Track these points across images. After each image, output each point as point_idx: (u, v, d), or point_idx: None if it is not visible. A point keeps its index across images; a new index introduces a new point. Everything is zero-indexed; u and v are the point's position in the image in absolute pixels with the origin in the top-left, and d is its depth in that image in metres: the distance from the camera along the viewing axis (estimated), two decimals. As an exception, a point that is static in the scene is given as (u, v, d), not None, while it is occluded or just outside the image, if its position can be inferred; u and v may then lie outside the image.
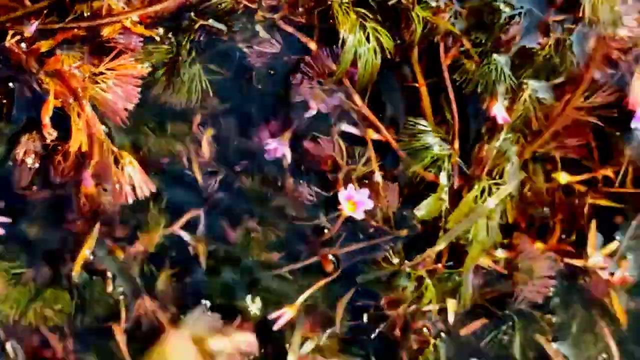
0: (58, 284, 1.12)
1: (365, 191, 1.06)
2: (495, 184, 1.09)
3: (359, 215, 1.06)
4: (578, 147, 1.12)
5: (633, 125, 1.08)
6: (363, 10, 1.05)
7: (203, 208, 1.13)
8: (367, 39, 1.04)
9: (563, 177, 1.12)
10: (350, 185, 1.06)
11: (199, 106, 1.12)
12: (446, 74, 1.08)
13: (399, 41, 1.08)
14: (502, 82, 1.06)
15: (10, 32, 1.05)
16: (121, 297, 1.12)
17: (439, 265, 1.12)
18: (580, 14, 1.08)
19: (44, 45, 1.04)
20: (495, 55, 1.06)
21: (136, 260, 1.13)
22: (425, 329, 1.13)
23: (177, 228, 1.12)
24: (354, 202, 1.05)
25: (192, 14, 1.09)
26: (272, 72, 1.12)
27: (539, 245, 1.13)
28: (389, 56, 1.07)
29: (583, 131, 1.11)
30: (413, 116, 1.11)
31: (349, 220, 1.09)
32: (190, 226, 1.14)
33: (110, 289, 1.11)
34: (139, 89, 1.04)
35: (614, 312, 1.12)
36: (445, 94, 1.10)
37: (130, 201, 1.04)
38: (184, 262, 1.15)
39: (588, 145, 1.13)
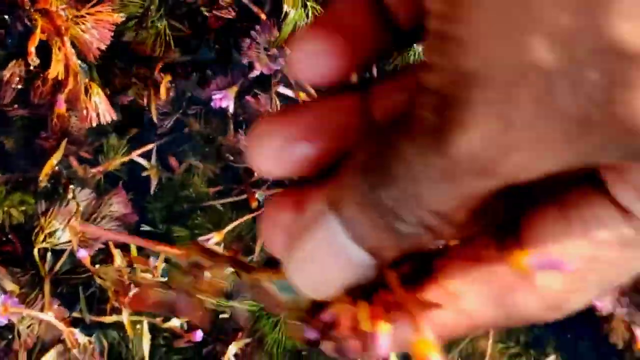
0: (26, 189, 1.24)
1: None
2: None
3: None
4: None
5: None
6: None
7: (156, 143, 1.28)
8: (307, 15, 1.21)
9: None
10: None
11: (161, 56, 1.25)
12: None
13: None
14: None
15: (11, -27, 1.20)
16: (82, 206, 1.27)
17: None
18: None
19: (37, -13, 1.20)
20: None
21: (94, 178, 1.27)
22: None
23: (134, 155, 1.30)
24: None
25: (164, -22, 1.22)
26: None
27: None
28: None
29: None
30: None
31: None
32: (144, 157, 1.28)
33: (70, 196, 1.28)
34: (112, 34, 1.17)
35: None
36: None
37: (94, 124, 1.18)
38: (135, 187, 1.28)
39: None
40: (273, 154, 0.32)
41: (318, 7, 1.20)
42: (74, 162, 1.26)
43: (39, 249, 1.22)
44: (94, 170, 1.27)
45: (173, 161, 1.30)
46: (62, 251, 1.23)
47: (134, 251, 1.21)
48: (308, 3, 1.20)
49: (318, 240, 0.30)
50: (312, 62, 0.33)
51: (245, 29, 1.24)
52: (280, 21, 1.22)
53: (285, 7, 1.19)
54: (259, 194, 1.27)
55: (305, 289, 0.32)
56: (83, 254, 1.19)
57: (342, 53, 0.33)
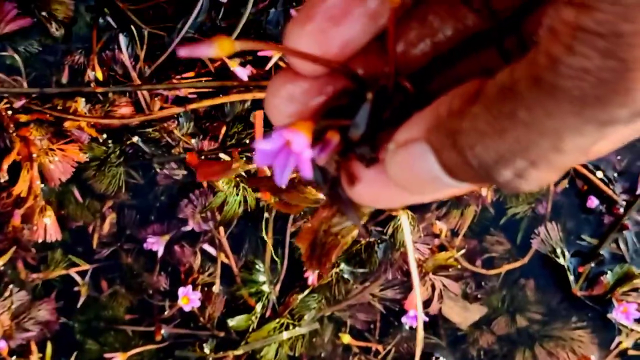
0: None
1: (198, 294, 1.33)
2: (293, 324, 1.37)
3: (187, 309, 1.34)
4: (364, 321, 1.38)
5: (403, 320, 1.37)
6: (244, 175, 1.33)
7: (92, 266, 1.40)
8: (237, 193, 1.35)
9: (347, 338, 1.37)
10: (189, 286, 1.35)
11: (112, 195, 1.39)
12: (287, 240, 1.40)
13: (260, 202, 1.36)
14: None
15: (5, 101, 1.34)
16: (15, 305, 1.40)
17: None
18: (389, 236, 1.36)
19: (22, 118, 1.33)
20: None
21: (33, 283, 1.39)
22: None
23: (72, 271, 1.43)
24: (188, 298, 1.34)
25: (129, 133, 1.37)
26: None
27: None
28: (249, 209, 1.35)
29: (371, 311, 1.38)
30: (257, 257, 1.39)
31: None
32: (80, 274, 1.40)
33: (7, 294, 1.39)
34: (74, 169, 1.35)
35: None
36: (283, 253, 1.41)
37: (40, 240, 1.35)
38: (65, 297, 1.40)
39: (373, 322, 1.39)
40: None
41: (249, 189, 1.36)
42: (19, 264, 1.41)
43: (-32, 333, 1.36)
44: (34, 275, 1.41)
45: (103, 284, 1.42)
46: (-13, 339, 1.37)
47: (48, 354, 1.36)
48: (241, 185, 1.35)
49: (415, 168, 0.31)
50: (285, 105, 0.35)
51: (187, 190, 1.40)
52: (215, 191, 1.37)
53: (220, 184, 1.34)
54: (164, 330, 1.40)
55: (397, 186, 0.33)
56: (2, 345, 1.34)
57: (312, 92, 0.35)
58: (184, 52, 0.30)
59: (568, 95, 0.25)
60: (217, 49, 0.31)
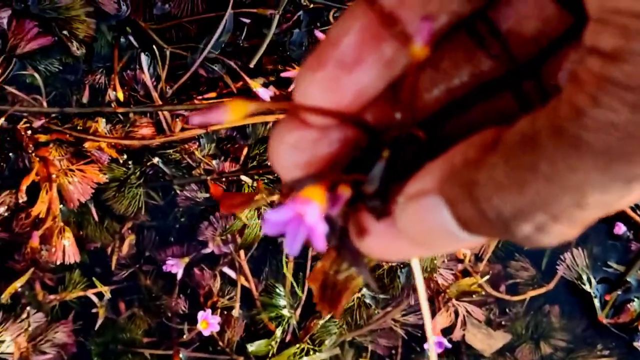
0: None
1: (218, 318, 1.30)
2: (314, 349, 1.35)
3: (206, 333, 1.31)
4: (386, 347, 1.36)
5: (425, 346, 1.35)
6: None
7: (110, 287, 1.37)
8: (259, 216, 1.32)
9: (368, 364, 1.35)
10: (209, 310, 1.34)
11: (131, 217, 1.37)
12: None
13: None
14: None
15: (24, 120, 1.32)
16: (32, 327, 1.39)
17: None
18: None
19: (42, 138, 1.31)
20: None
21: (50, 304, 1.36)
22: None
23: (90, 293, 1.42)
24: (208, 322, 1.32)
25: (150, 154, 1.35)
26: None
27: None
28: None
29: (393, 336, 1.37)
30: (277, 281, 1.36)
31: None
32: (98, 296, 1.37)
33: (25, 316, 1.38)
34: (93, 191, 1.33)
35: None
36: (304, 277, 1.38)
37: (58, 262, 1.33)
38: (83, 319, 1.37)
39: (394, 348, 1.37)
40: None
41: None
42: (37, 286, 1.39)
43: (-17, 354, 1.34)
44: (51, 296, 1.39)
45: (121, 306, 1.39)
46: (4, 360, 1.35)
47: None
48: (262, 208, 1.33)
49: (427, 221, 0.29)
50: (291, 154, 0.33)
51: (208, 212, 1.38)
52: (236, 215, 1.35)
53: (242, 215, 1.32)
54: (182, 354, 1.38)
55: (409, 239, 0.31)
56: (19, 368, 1.32)
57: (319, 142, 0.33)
58: (196, 120, 0.30)
59: (592, 150, 0.24)
60: (231, 113, 0.30)
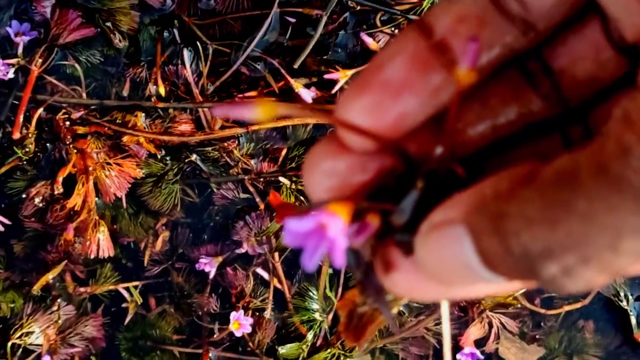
0: (20, 290, 1.33)
1: (250, 320, 1.28)
2: (345, 355, 1.33)
3: (238, 334, 1.29)
4: (417, 355, 1.33)
5: (458, 356, 1.29)
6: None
7: (141, 282, 1.35)
8: None
9: (399, 372, 1.32)
10: (241, 311, 1.32)
11: (166, 213, 1.34)
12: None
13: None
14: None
15: (63, 111, 1.30)
16: (62, 319, 1.36)
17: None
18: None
19: (80, 130, 1.29)
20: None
21: (80, 297, 1.35)
22: None
23: (120, 287, 1.40)
24: (240, 323, 1.29)
25: (188, 151, 1.32)
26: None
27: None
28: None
29: (425, 345, 1.35)
30: (311, 284, 1.34)
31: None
32: (128, 291, 1.35)
33: (55, 308, 1.36)
34: (130, 185, 1.31)
35: None
36: (338, 281, 1.37)
37: (92, 256, 1.31)
38: (113, 314, 1.36)
39: (426, 357, 1.34)
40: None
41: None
42: (68, 277, 1.37)
43: (12, 344, 1.32)
44: (82, 289, 1.37)
45: (152, 302, 1.37)
46: (32, 352, 1.33)
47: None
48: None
49: (448, 253, 0.28)
50: (324, 179, 0.32)
51: (244, 212, 1.35)
52: (274, 215, 1.33)
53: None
54: (212, 354, 1.35)
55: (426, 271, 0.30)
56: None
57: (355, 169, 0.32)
58: (219, 112, 0.30)
59: (635, 191, 0.23)
60: (259, 113, 0.29)
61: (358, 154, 0.32)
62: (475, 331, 1.32)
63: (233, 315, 1.30)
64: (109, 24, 1.31)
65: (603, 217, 0.23)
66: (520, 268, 0.26)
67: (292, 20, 1.29)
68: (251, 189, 1.34)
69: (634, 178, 0.23)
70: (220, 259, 1.35)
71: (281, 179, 1.31)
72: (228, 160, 1.33)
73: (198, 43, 1.30)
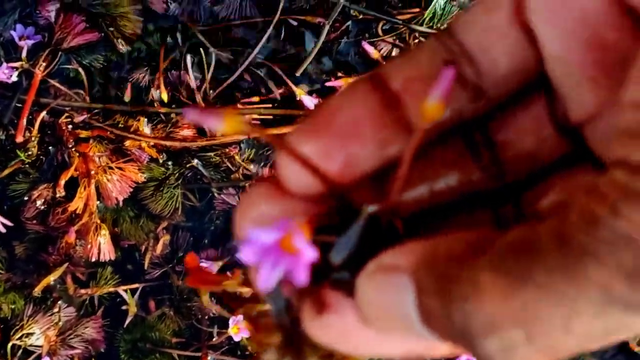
0: (21, 291, 1.33)
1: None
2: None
3: (237, 338, 1.27)
4: None
5: None
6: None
7: (142, 285, 1.36)
8: None
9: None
10: (240, 317, 1.32)
11: (167, 217, 1.35)
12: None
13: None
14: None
15: (66, 114, 1.29)
16: (62, 321, 1.36)
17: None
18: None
19: (83, 133, 1.29)
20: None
21: (80, 298, 1.36)
22: None
23: (121, 289, 1.40)
24: (239, 327, 1.31)
25: (189, 156, 1.32)
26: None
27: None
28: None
29: None
30: None
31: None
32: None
33: (56, 310, 1.38)
34: (131, 189, 1.30)
35: None
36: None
37: (93, 259, 1.31)
38: (113, 316, 1.37)
39: None
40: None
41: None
42: (68, 279, 1.37)
43: (13, 344, 1.32)
44: (82, 291, 1.37)
45: (151, 305, 1.37)
46: (32, 353, 1.33)
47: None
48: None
49: (389, 298, 0.26)
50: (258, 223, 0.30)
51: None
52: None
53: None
54: (211, 357, 1.36)
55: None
56: (46, 361, 1.30)
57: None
58: (191, 116, 0.28)
59: (600, 264, 0.21)
60: (224, 125, 0.27)
61: (297, 198, 0.30)
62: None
63: (232, 319, 1.30)
64: (112, 29, 1.31)
65: (561, 289, 0.22)
66: (455, 335, 0.25)
67: (295, 24, 1.29)
68: (251, 194, 1.33)
69: (601, 249, 0.21)
70: (220, 263, 1.34)
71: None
72: (229, 165, 1.33)
73: (201, 49, 1.30)
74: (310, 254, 0.26)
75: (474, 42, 0.29)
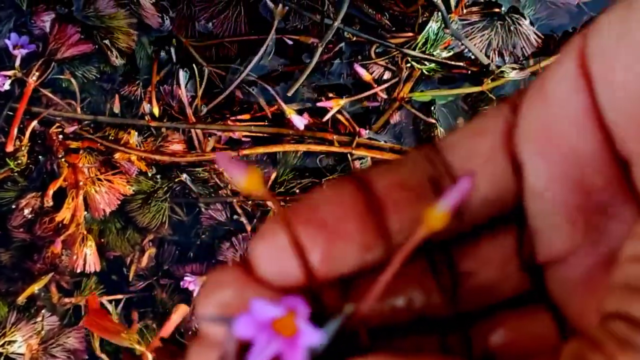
0: (5, 299, 1.33)
1: None
2: None
3: None
4: None
5: None
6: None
7: (125, 296, 1.35)
8: None
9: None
10: None
11: (154, 230, 1.35)
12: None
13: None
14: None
15: (57, 124, 1.30)
16: (44, 331, 1.34)
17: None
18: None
19: (73, 144, 1.29)
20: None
21: (64, 307, 1.35)
22: None
23: (104, 299, 1.39)
24: None
25: (178, 170, 1.32)
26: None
27: None
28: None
29: None
30: None
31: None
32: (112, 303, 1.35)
33: (39, 318, 1.37)
34: (119, 201, 1.31)
35: None
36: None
37: (79, 270, 1.31)
38: None
39: None
40: None
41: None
42: (53, 288, 1.37)
43: (-6, 352, 1.32)
44: (67, 300, 1.37)
45: (134, 316, 1.37)
46: (13, 360, 1.33)
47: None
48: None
49: None
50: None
51: (230, 234, 1.35)
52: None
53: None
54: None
55: None
56: (27, 370, 1.30)
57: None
58: (221, 161, 0.28)
59: None
60: (246, 180, 0.28)
61: (265, 287, 0.29)
62: None
63: None
64: (106, 41, 1.31)
65: None
66: None
67: (290, 43, 1.29)
68: (239, 210, 1.34)
69: None
70: (205, 277, 1.34)
71: (269, 202, 1.31)
72: (217, 181, 1.33)
73: (194, 64, 1.30)
74: (312, 336, 0.25)
75: (459, 163, 0.29)
